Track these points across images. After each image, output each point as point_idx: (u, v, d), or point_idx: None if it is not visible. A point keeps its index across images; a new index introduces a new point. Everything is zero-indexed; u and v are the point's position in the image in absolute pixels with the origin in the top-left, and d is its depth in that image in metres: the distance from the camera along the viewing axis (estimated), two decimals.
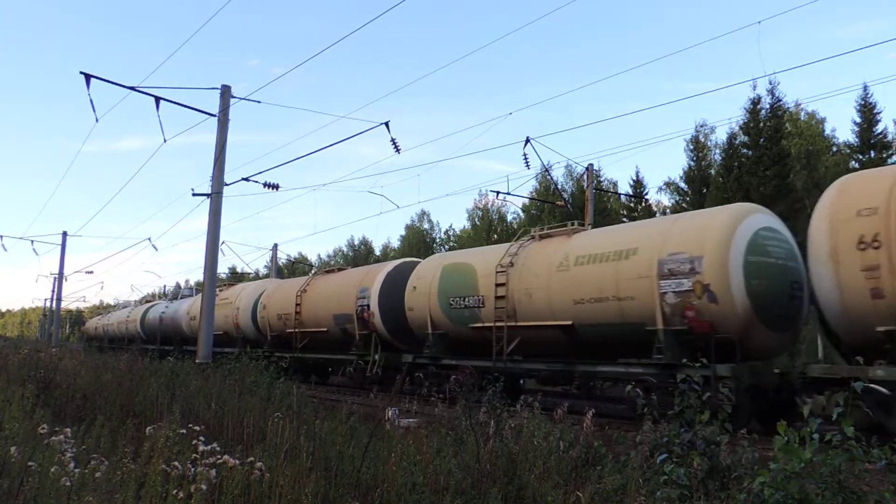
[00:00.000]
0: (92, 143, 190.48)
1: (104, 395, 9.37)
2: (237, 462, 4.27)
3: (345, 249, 70.61)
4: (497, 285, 14.07)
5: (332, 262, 66.27)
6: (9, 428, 5.97)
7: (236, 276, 60.55)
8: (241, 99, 17.69)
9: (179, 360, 14.74)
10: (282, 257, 39.08)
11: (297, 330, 21.42)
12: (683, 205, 35.95)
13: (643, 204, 39.58)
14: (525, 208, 45.83)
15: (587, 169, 23.87)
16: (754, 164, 30.74)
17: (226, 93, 16.70)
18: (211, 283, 16.75)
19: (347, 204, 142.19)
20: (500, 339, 13.81)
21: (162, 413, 7.53)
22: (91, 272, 70.05)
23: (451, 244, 59.08)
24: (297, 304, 21.47)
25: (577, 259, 12.69)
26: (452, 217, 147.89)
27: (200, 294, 30.50)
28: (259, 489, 4.47)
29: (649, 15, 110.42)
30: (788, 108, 33.93)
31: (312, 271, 23.00)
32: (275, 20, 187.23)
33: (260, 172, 27.66)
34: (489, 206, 53.34)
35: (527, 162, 19.68)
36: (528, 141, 19.54)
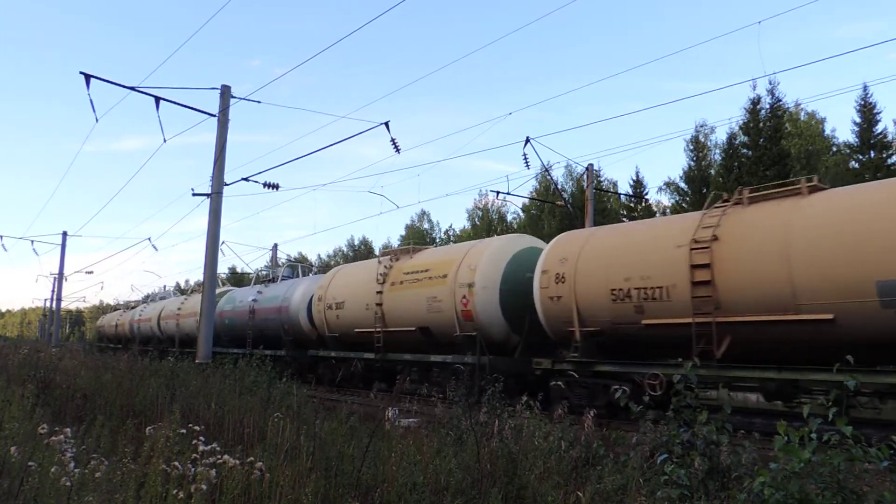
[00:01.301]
0: (92, 143, 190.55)
1: (104, 395, 9.36)
2: (237, 462, 4.27)
3: (345, 249, 70.64)
4: None
5: (333, 263, 66.00)
6: (9, 428, 5.98)
7: (236, 277, 60.34)
8: (241, 99, 17.70)
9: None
10: (282, 257, 38.81)
11: (712, 318, 10.06)
12: (683, 205, 35.94)
13: (643, 204, 39.58)
14: (525, 208, 45.83)
15: (587, 169, 23.87)
16: (754, 164, 30.75)
17: (226, 93, 16.71)
18: (211, 284, 16.73)
19: (347, 204, 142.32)
20: None
21: (162, 413, 7.53)
22: (91, 272, 70.07)
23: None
24: (703, 267, 10.23)
25: None
26: (452, 217, 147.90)
27: (318, 275, 23.51)
28: (259, 489, 4.47)
29: (649, 15, 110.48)
30: (788, 108, 33.95)
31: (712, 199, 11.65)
32: (276, 20, 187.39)
33: (260, 172, 27.54)
34: (489, 206, 53.39)
35: (527, 162, 19.71)
36: (528, 141, 19.56)
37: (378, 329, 16.80)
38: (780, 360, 9.81)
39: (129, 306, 46.12)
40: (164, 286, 48.85)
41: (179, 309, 31.03)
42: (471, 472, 5.63)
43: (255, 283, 27.33)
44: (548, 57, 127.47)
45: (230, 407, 7.71)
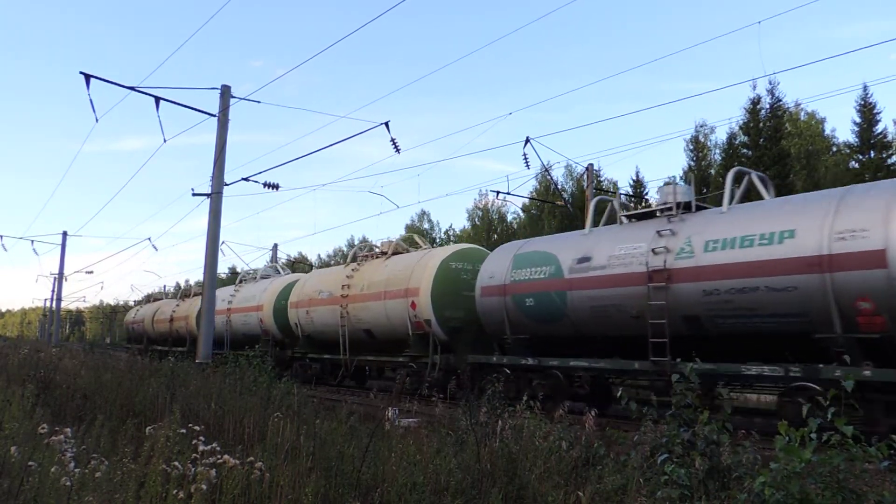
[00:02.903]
0: (92, 143, 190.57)
1: (104, 394, 9.36)
2: (237, 462, 4.27)
3: (345, 249, 70.63)
4: None
5: (332, 263, 65.97)
6: (9, 428, 5.97)
7: (236, 276, 60.09)
8: (241, 99, 17.70)
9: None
10: (282, 257, 38.70)
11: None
12: None
13: (643, 204, 39.55)
14: (525, 208, 45.85)
15: (587, 169, 23.88)
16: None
17: (226, 93, 16.69)
18: (211, 284, 16.69)
19: (347, 204, 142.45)
20: None
21: (162, 413, 7.52)
22: (91, 272, 70.05)
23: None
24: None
25: None
26: (452, 217, 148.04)
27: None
28: (259, 489, 4.47)
29: (649, 15, 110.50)
30: (788, 108, 33.98)
31: None
32: (278, 20, 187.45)
33: (260, 172, 27.46)
34: (489, 206, 53.37)
35: (527, 162, 19.70)
36: (528, 141, 19.56)
37: None
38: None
39: (188, 293, 33.24)
40: (165, 286, 47.52)
41: (347, 288, 18.22)
42: (471, 471, 5.62)
43: (592, 225, 14.06)
44: (548, 57, 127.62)
45: (230, 407, 7.71)
